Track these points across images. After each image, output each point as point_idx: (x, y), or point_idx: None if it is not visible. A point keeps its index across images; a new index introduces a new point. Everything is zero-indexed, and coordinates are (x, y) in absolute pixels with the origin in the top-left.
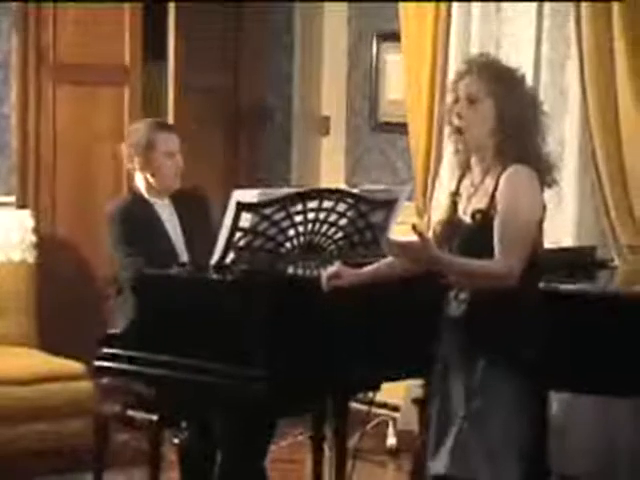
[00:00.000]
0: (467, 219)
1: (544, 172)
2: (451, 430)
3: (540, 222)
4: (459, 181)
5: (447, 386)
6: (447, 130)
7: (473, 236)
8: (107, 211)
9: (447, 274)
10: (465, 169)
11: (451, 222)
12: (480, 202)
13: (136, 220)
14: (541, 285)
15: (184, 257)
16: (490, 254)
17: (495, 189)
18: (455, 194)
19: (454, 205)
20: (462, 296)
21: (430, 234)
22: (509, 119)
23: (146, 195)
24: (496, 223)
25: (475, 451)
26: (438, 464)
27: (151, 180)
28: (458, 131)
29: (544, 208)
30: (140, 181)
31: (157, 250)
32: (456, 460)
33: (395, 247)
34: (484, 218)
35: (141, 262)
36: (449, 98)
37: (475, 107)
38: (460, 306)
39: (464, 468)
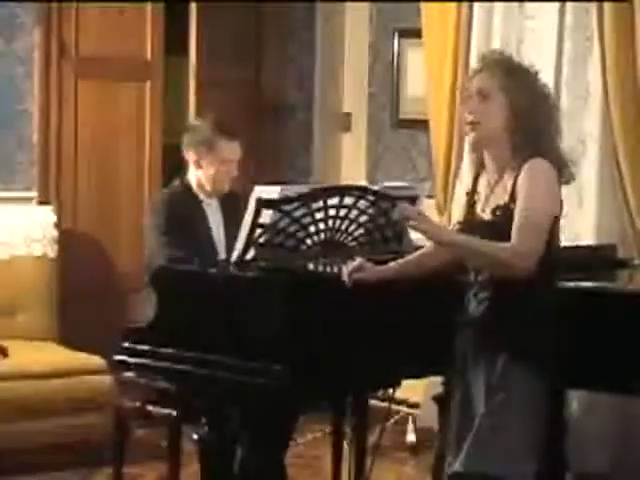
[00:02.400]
0: (487, 216)
1: (561, 167)
2: (472, 427)
3: (557, 218)
4: (475, 180)
5: (467, 384)
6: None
7: (494, 232)
8: (153, 199)
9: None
10: (479, 168)
11: (470, 221)
12: (499, 199)
13: (180, 211)
14: (561, 283)
15: (222, 257)
16: None
17: (515, 184)
18: (472, 193)
19: (472, 204)
20: (482, 295)
21: None
22: (522, 114)
23: (195, 189)
24: (516, 212)
25: (494, 448)
26: (458, 461)
27: (202, 179)
28: (471, 126)
29: (562, 204)
30: (192, 175)
31: (197, 245)
32: (475, 457)
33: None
34: (505, 213)
35: (179, 253)
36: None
37: (487, 102)
38: (480, 305)
39: (483, 464)
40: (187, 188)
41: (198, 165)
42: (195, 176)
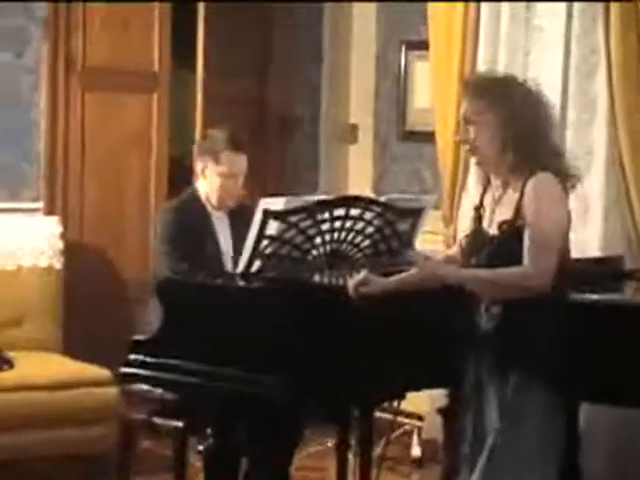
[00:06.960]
0: (492, 231)
1: (564, 174)
2: (486, 443)
3: (567, 231)
4: (482, 195)
5: (481, 400)
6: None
7: (500, 246)
8: (162, 207)
9: (472, 289)
10: (486, 183)
11: (476, 235)
12: (505, 214)
13: (189, 221)
14: (568, 296)
15: (229, 268)
16: (517, 263)
17: (521, 199)
18: (479, 208)
19: (479, 219)
20: (494, 310)
21: (456, 248)
22: (516, 129)
23: (204, 200)
24: (526, 233)
25: (509, 464)
26: (473, 477)
27: (207, 190)
28: (471, 152)
29: (569, 215)
30: (200, 184)
31: (203, 258)
32: (491, 473)
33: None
34: (511, 228)
35: (183, 265)
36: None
37: (477, 127)
38: (491, 320)
39: None
40: (196, 199)
41: (203, 174)
42: (202, 186)
